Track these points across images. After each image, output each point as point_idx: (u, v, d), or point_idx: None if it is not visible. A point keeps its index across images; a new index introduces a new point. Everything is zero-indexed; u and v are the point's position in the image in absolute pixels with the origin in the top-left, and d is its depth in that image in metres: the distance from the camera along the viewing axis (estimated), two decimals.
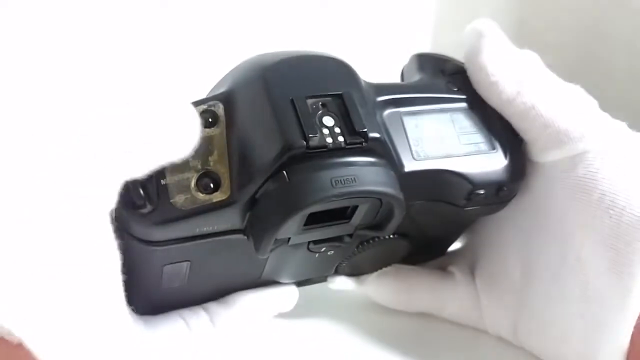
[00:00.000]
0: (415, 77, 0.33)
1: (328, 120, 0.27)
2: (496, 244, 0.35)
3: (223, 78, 0.29)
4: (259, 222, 0.27)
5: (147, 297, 0.30)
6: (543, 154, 0.32)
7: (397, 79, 0.34)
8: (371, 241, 0.32)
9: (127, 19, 0.64)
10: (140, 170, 0.24)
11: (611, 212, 0.29)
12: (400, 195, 0.28)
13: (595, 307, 0.30)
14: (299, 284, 0.35)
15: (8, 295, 0.20)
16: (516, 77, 0.31)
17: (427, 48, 0.76)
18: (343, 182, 0.26)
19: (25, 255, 0.21)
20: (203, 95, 0.29)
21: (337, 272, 0.35)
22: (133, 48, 0.65)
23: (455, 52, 0.35)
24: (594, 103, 0.32)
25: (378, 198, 0.28)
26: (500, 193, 0.32)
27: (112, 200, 0.24)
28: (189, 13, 0.66)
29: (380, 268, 0.36)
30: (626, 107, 0.32)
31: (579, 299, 0.30)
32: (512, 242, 0.34)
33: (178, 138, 0.25)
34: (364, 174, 0.27)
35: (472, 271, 0.36)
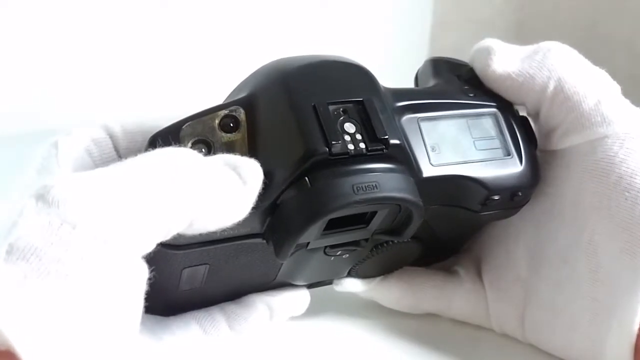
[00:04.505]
0: (430, 82, 0.33)
1: (349, 127, 0.27)
2: (502, 236, 0.35)
3: (243, 82, 0.29)
4: (280, 228, 0.27)
5: (163, 297, 0.30)
6: (563, 140, 0.32)
7: (395, 80, 0.34)
8: (385, 244, 0.32)
9: (137, 25, 0.63)
10: (194, 231, 0.25)
11: (627, 194, 0.29)
12: (420, 202, 0.28)
13: (605, 289, 0.30)
14: (310, 286, 0.35)
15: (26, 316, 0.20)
16: (540, 66, 0.32)
17: (425, 49, 0.75)
18: (365, 189, 0.26)
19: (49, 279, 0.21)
20: (212, 96, 0.29)
21: (349, 275, 0.35)
22: (142, 52, 0.64)
23: (453, 53, 0.35)
24: (617, 88, 0.32)
25: (398, 204, 0.28)
26: (515, 198, 0.32)
27: (151, 248, 0.24)
28: (198, 16, 0.66)
29: (392, 271, 0.36)
30: None
31: (590, 282, 0.31)
32: (519, 232, 0.34)
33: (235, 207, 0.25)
34: (385, 180, 0.27)
35: (477, 268, 0.37)
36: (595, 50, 0.65)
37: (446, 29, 0.74)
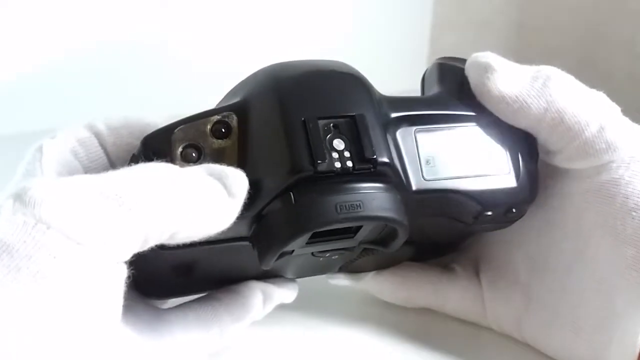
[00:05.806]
0: (434, 87, 0.33)
1: (338, 144, 0.27)
2: (501, 239, 0.35)
3: (237, 85, 0.29)
4: (264, 238, 0.27)
5: (153, 283, 0.30)
6: (567, 163, 0.32)
7: (395, 80, 0.34)
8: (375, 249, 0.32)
9: (137, 26, 0.63)
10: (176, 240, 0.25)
11: (634, 213, 0.29)
12: (405, 221, 0.28)
13: (610, 301, 0.30)
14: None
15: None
16: (538, 95, 0.31)
17: (425, 49, 0.76)
18: (347, 208, 0.27)
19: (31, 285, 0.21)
20: (209, 95, 0.29)
21: (340, 271, 0.35)
22: (141, 53, 0.64)
23: (452, 53, 0.35)
24: (617, 110, 0.32)
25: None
26: (509, 214, 0.31)
27: (128, 256, 0.24)
28: (197, 17, 0.66)
29: (385, 268, 0.36)
30: (626, 109, 0.32)
31: (594, 292, 0.31)
32: (520, 238, 0.34)
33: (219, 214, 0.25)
34: (369, 199, 0.27)
35: (475, 267, 0.37)
36: (595, 50, 0.65)
37: (446, 29, 0.74)
